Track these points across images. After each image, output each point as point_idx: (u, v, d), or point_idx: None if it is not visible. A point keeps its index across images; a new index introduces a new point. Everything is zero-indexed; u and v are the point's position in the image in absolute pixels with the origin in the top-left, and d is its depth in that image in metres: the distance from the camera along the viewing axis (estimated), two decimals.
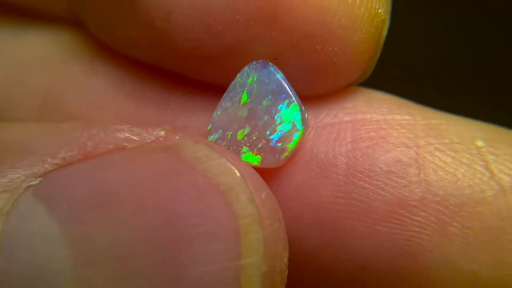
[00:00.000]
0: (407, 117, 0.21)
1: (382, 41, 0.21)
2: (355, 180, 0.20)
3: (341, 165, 0.20)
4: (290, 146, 0.20)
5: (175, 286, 0.16)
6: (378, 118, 0.21)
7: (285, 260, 0.18)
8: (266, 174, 0.21)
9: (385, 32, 0.21)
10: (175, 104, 0.23)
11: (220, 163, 0.17)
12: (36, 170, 0.18)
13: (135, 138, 0.18)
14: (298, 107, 0.20)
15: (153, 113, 0.24)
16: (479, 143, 0.20)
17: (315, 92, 0.21)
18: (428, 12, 0.59)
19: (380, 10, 0.20)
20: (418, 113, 0.21)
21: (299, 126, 0.20)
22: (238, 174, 0.17)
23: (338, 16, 0.19)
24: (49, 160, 0.18)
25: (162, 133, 0.19)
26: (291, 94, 0.20)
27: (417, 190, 0.19)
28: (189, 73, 0.23)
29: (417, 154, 0.20)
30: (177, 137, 0.19)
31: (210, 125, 0.21)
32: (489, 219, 0.19)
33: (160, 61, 0.23)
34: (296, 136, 0.20)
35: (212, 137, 0.21)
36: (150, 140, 0.19)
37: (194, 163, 0.17)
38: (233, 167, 0.17)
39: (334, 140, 0.20)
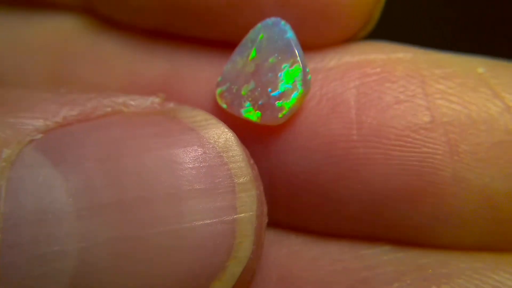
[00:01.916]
0: (410, 54, 0.22)
1: None
2: (366, 110, 0.20)
3: (351, 98, 0.21)
4: (287, 104, 0.20)
5: (175, 236, 0.17)
6: (382, 57, 0.22)
7: (266, 221, 0.19)
8: None
9: None
10: (183, 57, 0.24)
11: (218, 127, 0.19)
12: (38, 126, 0.18)
13: (132, 102, 0.20)
14: (301, 67, 0.20)
15: (162, 67, 0.24)
16: (480, 70, 0.21)
17: (318, 41, 0.22)
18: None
19: None
20: (420, 52, 0.22)
21: (299, 86, 0.20)
22: (233, 138, 0.19)
23: None
24: (51, 117, 0.19)
25: (157, 100, 0.20)
26: (296, 53, 0.21)
27: (426, 113, 0.20)
28: (197, 32, 0.23)
29: (423, 82, 0.21)
30: (172, 104, 0.20)
31: (220, 77, 0.22)
32: (498, 134, 0.20)
33: (169, 24, 0.24)
34: (294, 95, 0.20)
35: (220, 89, 0.22)
36: (145, 105, 0.20)
37: (193, 125, 0.19)
38: (230, 132, 0.19)
39: (342, 77, 0.21)
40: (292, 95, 0.20)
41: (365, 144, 0.20)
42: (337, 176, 0.21)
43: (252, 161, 0.19)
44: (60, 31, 0.27)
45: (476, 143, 0.20)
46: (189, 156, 0.18)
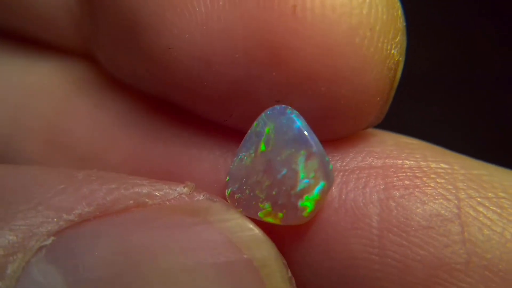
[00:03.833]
0: (443, 165, 0.19)
1: (396, 84, 0.20)
2: (390, 234, 0.18)
3: (374, 216, 0.18)
4: (311, 203, 0.18)
5: None
6: (411, 165, 0.19)
7: None
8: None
9: (399, 74, 0.19)
10: (185, 138, 0.22)
11: (255, 236, 0.17)
12: (50, 228, 0.16)
13: (157, 193, 0.17)
14: (318, 158, 0.18)
15: (162, 147, 0.22)
16: None
17: (328, 136, 0.20)
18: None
19: (393, 51, 0.18)
20: (455, 162, 0.19)
21: (320, 179, 0.18)
22: (273, 249, 0.16)
23: (345, 57, 0.18)
24: (64, 216, 0.16)
25: (185, 190, 0.18)
26: (311, 143, 0.18)
27: (461, 251, 0.17)
28: (196, 111, 0.22)
29: (458, 208, 0.18)
30: (201, 196, 0.18)
31: (228, 176, 0.20)
32: None
33: (167, 96, 0.22)
34: (317, 190, 0.18)
35: (230, 190, 0.19)
36: (172, 197, 0.17)
37: (227, 233, 0.16)
38: (268, 241, 0.17)
39: (364, 186, 0.19)
40: (315, 191, 0.18)
41: (387, 277, 0.18)
42: None
43: (290, 274, 0.17)
44: (63, 81, 0.25)
45: None
46: (219, 271, 0.16)
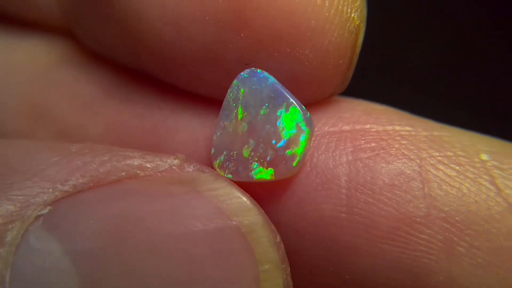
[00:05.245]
0: (408, 128, 0.20)
1: (358, 49, 0.21)
2: (357, 193, 0.19)
3: (342, 177, 0.20)
4: (299, 150, 0.19)
5: None
6: (378, 129, 0.20)
7: None
8: (265, 187, 0.20)
9: (360, 39, 0.20)
10: (163, 110, 0.23)
11: (242, 203, 0.17)
12: (46, 198, 0.17)
13: (148, 165, 0.18)
14: (297, 107, 0.19)
15: (141, 119, 0.23)
16: (484, 156, 0.19)
17: None
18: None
19: (353, 15, 0.20)
20: (419, 125, 0.20)
21: (303, 127, 0.19)
22: (260, 215, 0.17)
23: (307, 17, 0.19)
24: (60, 187, 0.17)
25: (176, 161, 0.19)
26: (287, 96, 0.19)
27: (421, 205, 0.19)
28: (168, 79, 0.22)
29: (420, 166, 0.19)
30: (192, 167, 0.18)
31: (213, 149, 0.21)
32: (498, 238, 0.18)
33: (141, 65, 0.23)
34: (302, 138, 0.19)
35: (218, 161, 0.20)
36: (163, 168, 0.18)
37: (215, 201, 0.17)
38: (255, 208, 0.17)
39: (334, 149, 0.20)
40: (300, 139, 0.19)
41: (355, 232, 0.19)
42: (325, 263, 0.20)
43: (279, 239, 0.18)
44: (43, 57, 0.26)
45: (474, 246, 0.18)
46: (208, 238, 0.17)
